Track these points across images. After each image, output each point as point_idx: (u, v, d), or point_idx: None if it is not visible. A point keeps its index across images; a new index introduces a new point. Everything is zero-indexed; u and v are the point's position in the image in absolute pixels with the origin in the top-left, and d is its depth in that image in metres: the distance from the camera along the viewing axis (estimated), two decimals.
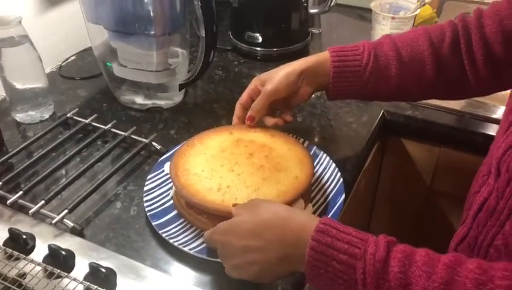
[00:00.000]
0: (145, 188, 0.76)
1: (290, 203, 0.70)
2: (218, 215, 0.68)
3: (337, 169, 0.80)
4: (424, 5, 1.21)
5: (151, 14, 0.88)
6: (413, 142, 1.02)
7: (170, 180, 0.76)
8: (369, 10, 1.19)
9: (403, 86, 0.78)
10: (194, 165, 0.75)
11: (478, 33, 0.72)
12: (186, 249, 0.67)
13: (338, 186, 0.78)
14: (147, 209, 0.73)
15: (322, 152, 0.84)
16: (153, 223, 0.71)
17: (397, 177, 1.09)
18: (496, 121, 0.95)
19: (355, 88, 0.79)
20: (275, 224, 0.57)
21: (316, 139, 0.91)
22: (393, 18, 1.15)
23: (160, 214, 0.73)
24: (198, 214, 0.71)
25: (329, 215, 0.72)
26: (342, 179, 0.78)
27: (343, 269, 0.52)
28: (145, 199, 0.75)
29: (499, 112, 0.96)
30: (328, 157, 0.83)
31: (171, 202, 0.75)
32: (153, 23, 0.89)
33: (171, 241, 0.68)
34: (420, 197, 1.07)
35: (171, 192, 0.76)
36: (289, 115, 0.83)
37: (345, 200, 0.75)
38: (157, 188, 0.77)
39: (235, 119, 0.82)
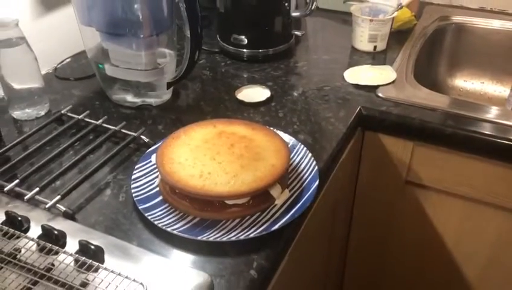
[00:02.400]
0: (133, 177, 0.82)
1: (267, 187, 0.76)
2: (200, 199, 0.75)
3: (313, 158, 0.86)
4: (401, 8, 1.28)
5: (140, 16, 0.94)
6: (389, 136, 1.08)
7: (156, 169, 0.81)
8: (351, 15, 1.25)
9: None
10: (179, 154, 0.80)
11: None
12: (169, 229, 0.73)
13: (313, 174, 0.83)
14: (134, 195, 0.79)
15: (300, 143, 0.90)
16: (140, 207, 0.76)
17: (375, 171, 1.14)
18: (464, 116, 1.01)
19: None
20: None
21: (295, 133, 0.97)
22: (371, 20, 1.21)
23: (146, 199, 0.79)
24: (181, 198, 0.77)
25: (303, 199, 0.78)
26: (316, 167, 0.84)
27: None
28: (132, 186, 0.80)
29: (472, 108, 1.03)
30: (305, 148, 0.89)
31: (157, 189, 0.81)
32: (141, 25, 0.95)
33: (155, 223, 0.74)
34: (397, 189, 1.13)
35: (157, 180, 0.82)
36: None
37: (319, 186, 0.81)
38: (144, 177, 0.83)
39: None
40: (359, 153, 1.13)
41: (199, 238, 0.71)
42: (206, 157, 0.79)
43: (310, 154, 0.87)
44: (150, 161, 0.86)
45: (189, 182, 0.75)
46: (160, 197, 0.79)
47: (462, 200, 1.07)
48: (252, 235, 0.72)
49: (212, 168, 0.77)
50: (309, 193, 0.80)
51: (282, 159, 0.80)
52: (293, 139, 0.91)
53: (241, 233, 0.73)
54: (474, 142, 0.99)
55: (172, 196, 0.78)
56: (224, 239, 0.72)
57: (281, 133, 0.90)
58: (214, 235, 0.72)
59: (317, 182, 0.81)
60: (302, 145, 0.89)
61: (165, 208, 0.78)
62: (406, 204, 1.14)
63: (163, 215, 0.76)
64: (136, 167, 0.84)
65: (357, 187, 1.19)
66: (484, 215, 1.07)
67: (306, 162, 0.86)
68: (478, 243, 1.12)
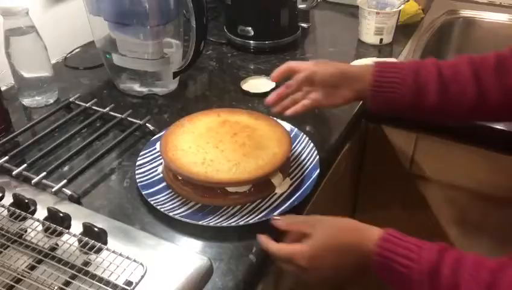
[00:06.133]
0: (138, 163, 0.84)
1: (268, 175, 0.77)
2: (202, 186, 0.76)
3: (314, 148, 0.87)
4: (408, 1, 1.28)
5: (147, 7, 0.95)
6: (392, 128, 1.09)
7: (160, 156, 0.83)
8: (358, 7, 1.26)
9: (443, 105, 0.79)
10: (183, 142, 0.82)
11: None
12: (171, 214, 0.74)
13: (314, 163, 0.85)
14: (138, 180, 0.80)
15: (302, 133, 0.91)
16: (143, 193, 0.78)
17: (379, 163, 1.15)
18: None
19: (394, 100, 0.81)
20: (349, 244, 0.66)
21: (299, 123, 0.97)
22: (378, 13, 1.22)
23: (150, 185, 0.80)
24: (184, 185, 0.78)
25: (304, 187, 0.80)
26: (318, 157, 0.85)
27: (403, 271, 0.61)
28: (137, 172, 0.82)
29: None
30: (307, 138, 0.90)
31: (160, 175, 0.83)
32: (148, 15, 0.96)
33: (158, 207, 0.75)
34: (400, 181, 1.14)
35: (160, 167, 0.84)
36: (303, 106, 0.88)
37: (320, 175, 0.82)
38: (148, 163, 0.85)
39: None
40: (363, 145, 1.14)
41: (200, 223, 0.73)
42: (209, 145, 0.81)
43: (311, 144, 0.88)
44: (155, 148, 0.87)
45: (192, 168, 0.77)
46: (164, 183, 0.81)
47: (465, 192, 1.08)
48: (251, 221, 0.73)
49: (215, 155, 0.79)
50: (309, 181, 0.81)
51: (283, 148, 0.81)
52: (296, 129, 0.92)
53: (241, 219, 0.74)
54: (478, 135, 0.99)
55: (176, 182, 0.79)
56: (224, 224, 0.73)
57: (284, 124, 0.91)
58: (215, 220, 0.74)
59: (317, 171, 0.82)
60: (304, 135, 0.90)
61: (168, 193, 0.79)
62: (409, 196, 1.15)
63: (166, 201, 0.78)
64: (141, 153, 0.86)
65: (360, 179, 1.20)
66: (487, 207, 1.08)
67: (308, 151, 0.87)
68: (481, 235, 1.12)
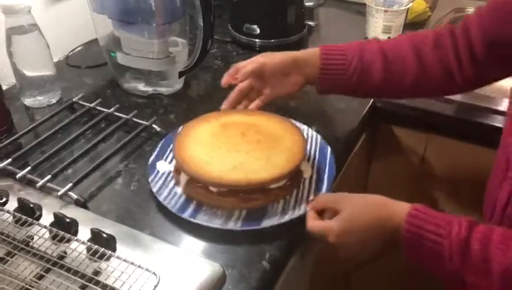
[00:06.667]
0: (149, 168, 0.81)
1: (301, 163, 0.77)
2: (241, 190, 0.74)
3: (308, 128, 0.89)
4: None
5: (152, 5, 0.93)
6: (402, 128, 1.07)
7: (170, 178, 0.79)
8: (366, 5, 1.24)
9: (387, 83, 0.84)
10: (198, 153, 0.77)
11: (465, 38, 0.79)
12: (207, 225, 0.71)
13: (319, 142, 0.87)
14: (152, 185, 0.77)
15: (314, 131, 0.89)
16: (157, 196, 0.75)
17: (388, 163, 1.13)
18: (478, 107, 0.99)
19: (341, 81, 0.85)
20: (378, 219, 0.66)
21: (308, 123, 0.95)
22: (386, 11, 1.19)
23: (163, 189, 0.78)
24: (225, 196, 0.74)
25: (327, 166, 0.82)
26: (319, 136, 0.87)
27: (433, 246, 0.61)
28: (150, 178, 0.79)
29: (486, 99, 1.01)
30: (315, 132, 0.89)
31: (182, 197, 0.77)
32: (154, 13, 0.94)
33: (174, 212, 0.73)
34: (410, 181, 1.12)
35: (179, 189, 0.78)
36: (260, 102, 0.88)
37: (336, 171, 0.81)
38: (160, 167, 0.82)
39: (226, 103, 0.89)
40: (372, 145, 1.12)
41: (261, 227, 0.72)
42: (227, 149, 0.77)
43: (320, 137, 0.88)
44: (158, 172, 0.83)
45: (230, 177, 0.73)
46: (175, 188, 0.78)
47: (476, 192, 1.05)
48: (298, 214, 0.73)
49: (242, 158, 0.75)
50: (328, 159, 0.83)
51: (296, 135, 0.81)
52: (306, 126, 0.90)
53: (282, 216, 0.73)
54: (490, 135, 0.97)
55: (210, 195, 0.75)
56: (271, 224, 0.72)
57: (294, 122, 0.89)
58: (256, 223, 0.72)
59: (329, 148, 0.84)
60: (316, 133, 0.89)
61: (180, 196, 0.77)
62: (419, 197, 1.12)
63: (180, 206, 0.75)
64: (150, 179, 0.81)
65: (368, 179, 1.18)
66: None
67: (305, 132, 0.88)
68: None
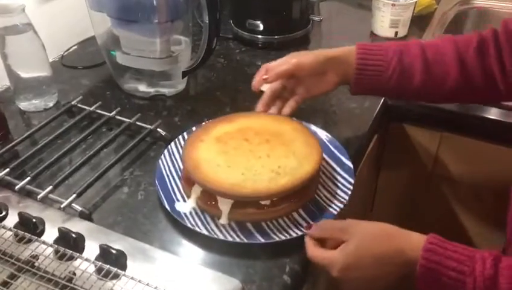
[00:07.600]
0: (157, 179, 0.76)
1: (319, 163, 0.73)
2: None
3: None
4: None
5: (154, 1, 0.88)
6: (415, 127, 1.03)
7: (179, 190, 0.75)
8: None
9: (427, 86, 0.79)
10: (216, 160, 0.72)
11: (509, 44, 0.75)
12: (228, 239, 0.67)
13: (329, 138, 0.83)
14: (162, 195, 0.73)
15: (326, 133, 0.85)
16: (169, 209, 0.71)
17: (399, 163, 1.10)
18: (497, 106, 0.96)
19: (378, 82, 0.80)
20: (388, 253, 0.61)
21: (319, 124, 0.91)
22: (393, 5, 1.15)
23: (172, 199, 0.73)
24: (242, 207, 0.69)
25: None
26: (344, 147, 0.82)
27: (454, 284, 0.57)
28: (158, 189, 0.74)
29: None
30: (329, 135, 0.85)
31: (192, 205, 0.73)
32: (156, 10, 0.89)
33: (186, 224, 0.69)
34: (422, 181, 1.08)
35: (191, 202, 0.73)
36: (294, 103, 0.84)
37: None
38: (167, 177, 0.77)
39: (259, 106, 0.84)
40: (382, 145, 1.08)
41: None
42: (242, 156, 0.73)
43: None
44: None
45: (258, 188, 0.68)
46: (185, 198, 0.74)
47: (491, 192, 1.02)
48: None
49: (262, 163, 0.71)
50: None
51: (308, 135, 0.77)
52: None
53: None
54: (505, 133, 0.94)
55: (240, 210, 0.69)
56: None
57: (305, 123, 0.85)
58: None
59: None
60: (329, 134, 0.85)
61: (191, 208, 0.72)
62: (431, 198, 1.09)
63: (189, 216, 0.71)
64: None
65: (378, 179, 1.14)
66: None
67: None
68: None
